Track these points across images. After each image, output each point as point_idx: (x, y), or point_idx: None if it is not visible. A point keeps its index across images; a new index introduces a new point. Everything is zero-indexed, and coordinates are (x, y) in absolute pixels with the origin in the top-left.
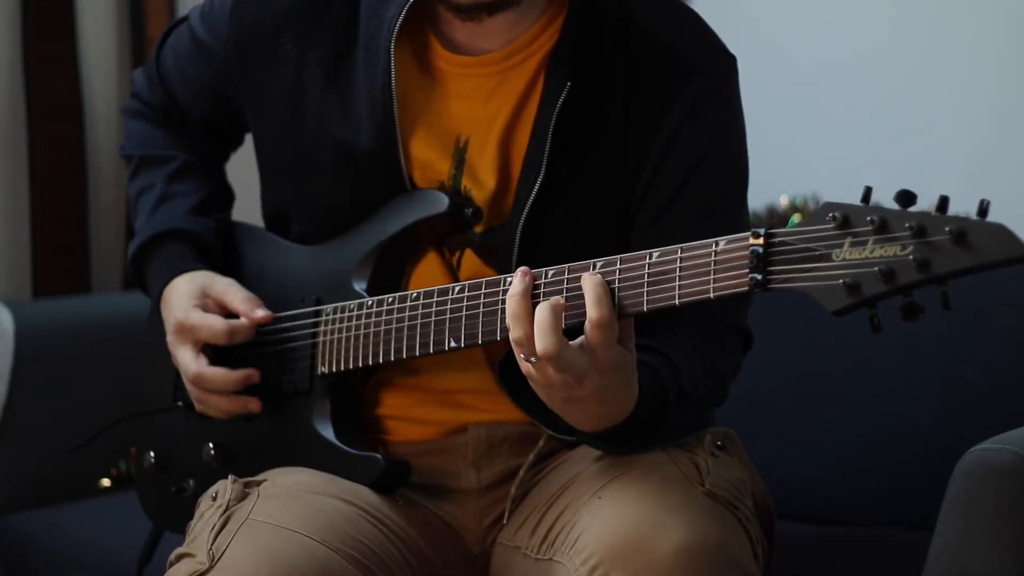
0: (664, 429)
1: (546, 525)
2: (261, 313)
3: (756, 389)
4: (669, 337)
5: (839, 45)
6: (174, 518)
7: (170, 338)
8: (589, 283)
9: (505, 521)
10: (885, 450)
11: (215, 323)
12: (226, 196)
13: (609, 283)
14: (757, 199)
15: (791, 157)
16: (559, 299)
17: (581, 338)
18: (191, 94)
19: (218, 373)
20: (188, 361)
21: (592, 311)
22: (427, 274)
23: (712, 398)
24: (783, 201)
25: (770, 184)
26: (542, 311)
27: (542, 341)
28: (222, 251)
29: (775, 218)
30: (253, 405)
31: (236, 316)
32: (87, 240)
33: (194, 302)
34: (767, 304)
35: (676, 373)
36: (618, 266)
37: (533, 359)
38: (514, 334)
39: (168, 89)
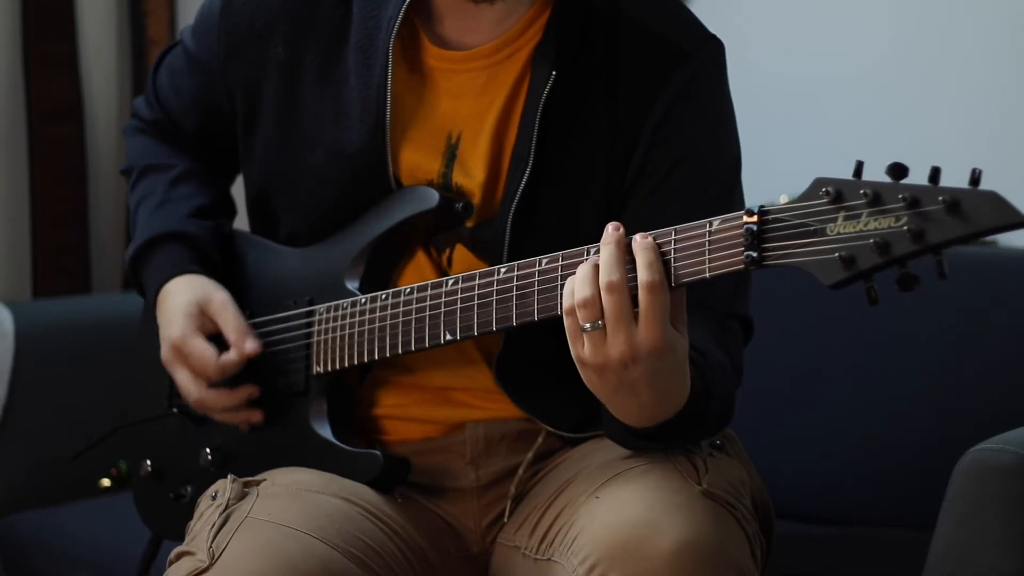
0: (705, 424)
1: (545, 525)
2: (251, 346)
3: (755, 389)
4: (691, 329)
5: (841, 44)
6: (173, 525)
7: (166, 354)
8: (641, 246)
9: (505, 520)
10: (885, 450)
11: (207, 359)
12: (228, 206)
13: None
14: (757, 198)
15: (791, 156)
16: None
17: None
18: (186, 108)
19: (219, 396)
20: (188, 385)
21: (644, 274)
22: (416, 272)
23: (734, 385)
24: (783, 200)
25: (770, 183)
26: (606, 248)
27: (607, 273)
28: (221, 256)
29: None
30: (255, 417)
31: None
32: (87, 240)
33: (192, 322)
34: (766, 303)
35: (708, 365)
36: None
37: (588, 325)
38: (580, 294)
39: (164, 107)
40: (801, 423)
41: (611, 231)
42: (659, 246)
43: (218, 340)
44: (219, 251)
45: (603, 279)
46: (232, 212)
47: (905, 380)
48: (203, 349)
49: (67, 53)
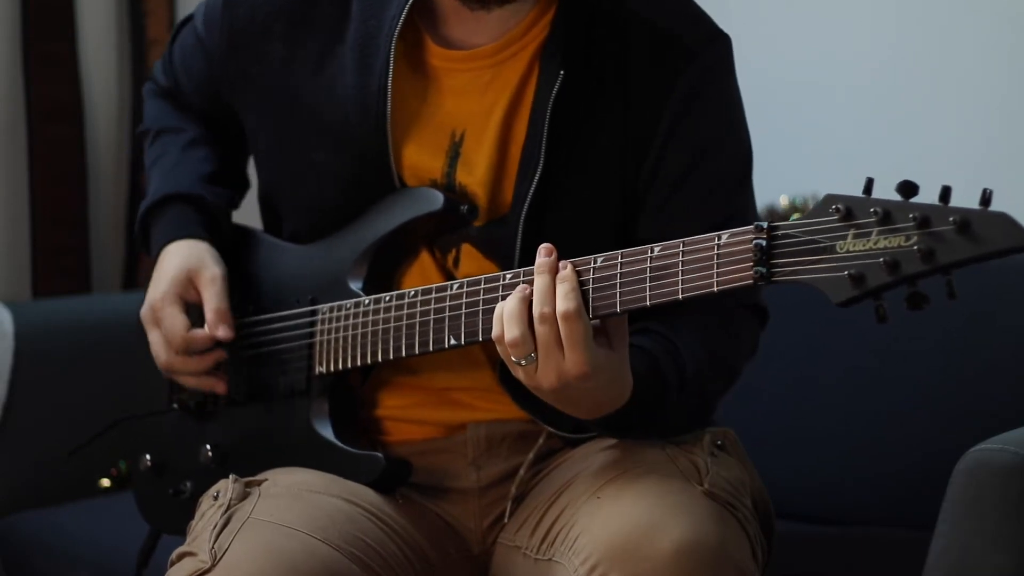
0: (665, 415)
1: (546, 525)
2: (223, 333)
3: (756, 389)
4: (672, 319)
5: (842, 45)
6: (172, 520)
7: (144, 311)
8: (559, 277)
9: (506, 520)
10: (885, 450)
11: (176, 330)
12: (239, 177)
13: (610, 277)
14: (757, 199)
15: (791, 157)
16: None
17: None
18: (194, 87)
19: (187, 362)
20: (158, 348)
21: (560, 304)
22: (419, 274)
23: (721, 380)
24: (783, 201)
25: (770, 184)
26: (541, 277)
27: (540, 303)
28: (230, 224)
29: (775, 218)
30: (220, 387)
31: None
32: (87, 240)
33: (175, 288)
34: (767, 303)
35: (677, 358)
36: (619, 260)
37: (523, 361)
38: (510, 334)
39: (176, 80)
40: (801, 423)
41: (543, 258)
42: (578, 274)
43: (200, 311)
44: (228, 218)
45: (537, 309)
46: (245, 184)
47: (905, 380)
48: (175, 318)
49: (67, 53)
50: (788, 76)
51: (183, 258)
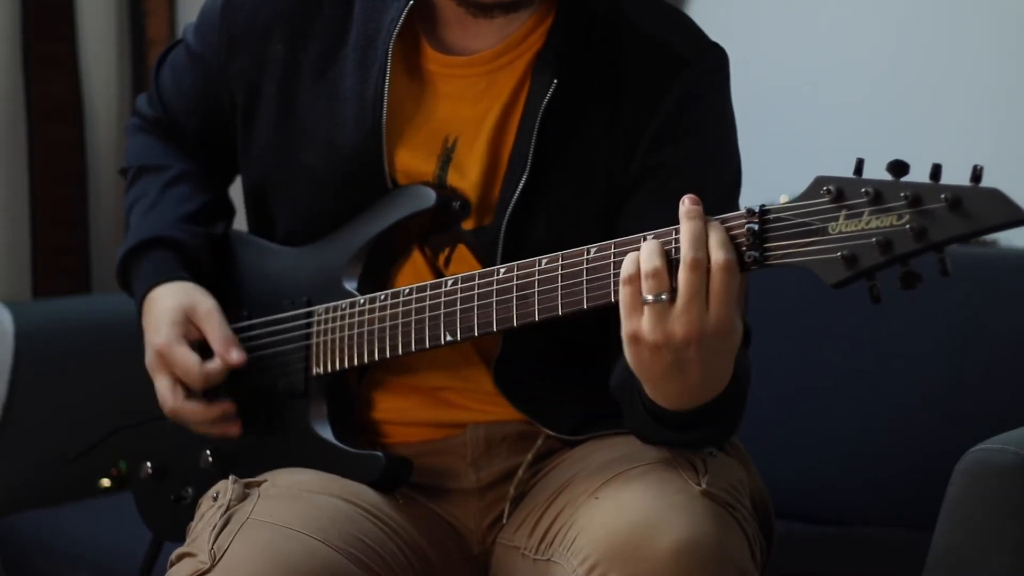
0: (730, 415)
1: (544, 525)
2: (236, 357)
3: (756, 389)
4: None
5: (842, 44)
6: (174, 526)
7: (150, 360)
8: (714, 226)
9: (504, 520)
10: (885, 450)
11: (191, 367)
12: (225, 209)
13: (604, 267)
14: (757, 199)
15: (791, 157)
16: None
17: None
18: (187, 106)
19: (195, 410)
20: (165, 393)
21: (720, 253)
22: (412, 273)
23: (744, 396)
24: (783, 200)
25: (770, 184)
26: (693, 222)
27: (693, 248)
28: (212, 262)
29: None
30: (233, 430)
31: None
32: (87, 240)
33: (176, 329)
34: (767, 303)
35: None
36: (612, 250)
37: (652, 297)
38: (649, 264)
39: (166, 105)
40: (801, 423)
41: (691, 205)
42: (729, 228)
43: (204, 348)
44: (210, 256)
45: (689, 254)
46: (230, 213)
47: (905, 380)
48: (186, 356)
49: (67, 53)
50: (789, 75)
51: (174, 299)
